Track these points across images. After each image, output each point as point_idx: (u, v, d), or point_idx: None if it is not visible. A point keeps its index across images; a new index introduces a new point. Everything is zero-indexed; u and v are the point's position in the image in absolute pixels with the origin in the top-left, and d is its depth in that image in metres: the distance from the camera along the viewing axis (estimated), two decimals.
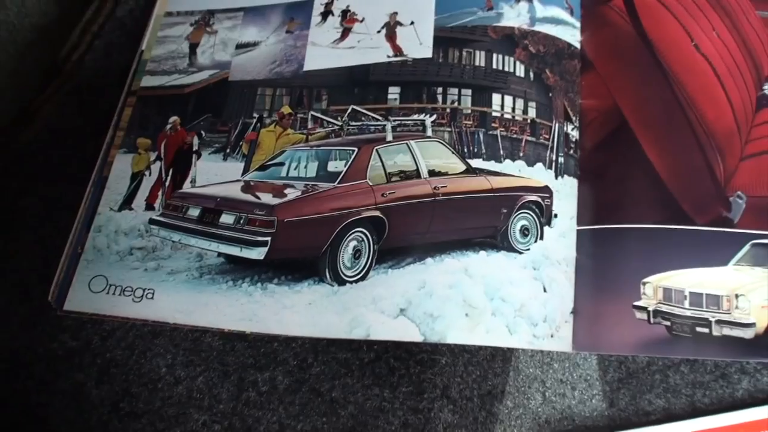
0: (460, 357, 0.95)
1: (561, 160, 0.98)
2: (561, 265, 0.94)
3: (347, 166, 0.98)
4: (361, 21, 1.07)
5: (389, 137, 1.00)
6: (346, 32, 1.08)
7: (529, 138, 0.99)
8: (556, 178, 0.98)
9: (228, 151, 1.07)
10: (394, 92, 1.03)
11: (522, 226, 1.00)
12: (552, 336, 0.92)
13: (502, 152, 0.98)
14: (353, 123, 1.03)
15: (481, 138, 0.98)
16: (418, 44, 1.03)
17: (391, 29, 1.05)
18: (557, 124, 0.99)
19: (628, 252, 0.96)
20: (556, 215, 0.97)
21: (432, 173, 0.99)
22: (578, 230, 0.97)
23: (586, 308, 0.95)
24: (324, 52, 1.07)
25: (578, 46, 1.03)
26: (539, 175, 0.98)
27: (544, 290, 0.93)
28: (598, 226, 0.97)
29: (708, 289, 0.94)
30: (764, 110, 1.02)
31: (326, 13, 1.10)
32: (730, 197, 0.99)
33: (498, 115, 0.99)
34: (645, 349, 0.94)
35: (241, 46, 1.12)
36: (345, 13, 1.08)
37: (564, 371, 0.97)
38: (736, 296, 0.93)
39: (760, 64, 1.04)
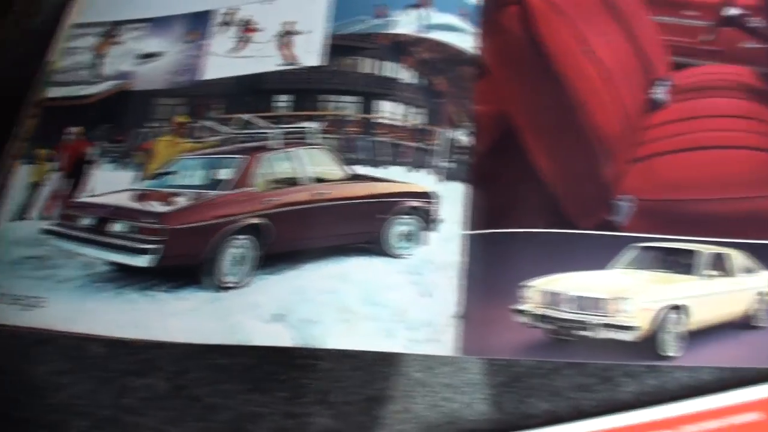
0: (344, 362, 0.95)
1: (447, 165, 0.99)
2: (444, 270, 0.95)
3: (235, 174, 0.99)
4: (259, 30, 1.08)
5: (276, 145, 1.01)
6: (243, 41, 1.09)
7: (414, 144, 1.00)
8: (441, 183, 0.98)
9: (125, 160, 1.08)
10: (283, 100, 1.04)
11: (402, 231, 1.00)
12: (434, 340, 0.92)
13: (385, 158, 0.99)
14: (244, 131, 1.04)
15: (365, 144, 0.98)
16: (311, 53, 1.05)
17: (286, 38, 1.06)
18: (445, 130, 1.00)
19: (515, 256, 0.96)
20: (441, 220, 0.97)
21: (315, 180, 1.00)
22: (467, 235, 0.97)
23: (473, 313, 0.95)
24: (222, 61, 1.09)
25: (474, 52, 1.03)
26: (423, 180, 0.99)
27: (425, 295, 0.93)
28: (487, 230, 0.97)
29: (591, 293, 0.95)
30: (654, 114, 1.03)
31: (226, 23, 1.11)
32: (618, 201, 0.99)
33: (384, 121, 1.00)
34: (528, 353, 0.95)
35: (145, 57, 1.13)
36: (244, 23, 1.09)
37: (450, 375, 0.97)
38: (619, 299, 0.93)
39: (652, 68, 1.05)
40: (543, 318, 0.95)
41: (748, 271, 0.97)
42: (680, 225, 0.99)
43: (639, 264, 0.98)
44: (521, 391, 0.96)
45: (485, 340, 0.95)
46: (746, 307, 0.99)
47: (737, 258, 0.97)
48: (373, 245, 0.97)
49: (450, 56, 1.02)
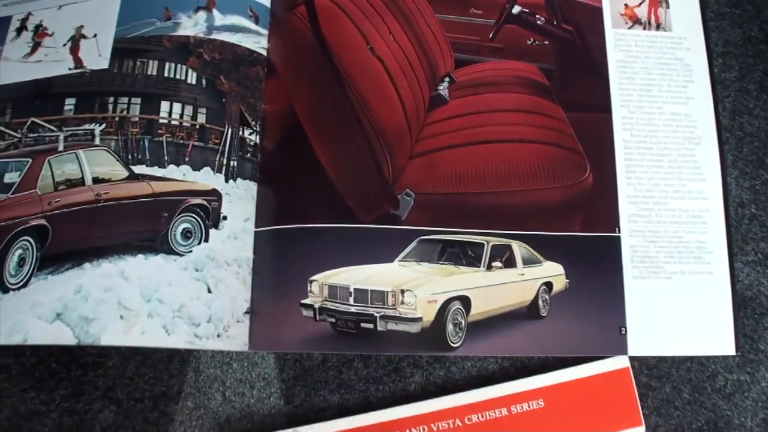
0: (131, 359, 0.95)
1: (234, 163, 0.99)
2: (231, 266, 0.95)
3: (21, 177, 0.98)
4: (51, 35, 1.07)
5: (61, 147, 1.00)
6: (36, 46, 1.08)
7: (197, 143, 1.00)
8: (227, 181, 0.99)
9: None
10: (70, 103, 1.03)
11: (184, 228, 1.00)
12: (219, 336, 0.92)
13: (166, 158, 0.99)
14: (31, 135, 1.03)
15: (146, 145, 0.99)
16: (98, 56, 1.04)
17: (75, 42, 1.06)
18: (230, 129, 1.00)
19: (301, 252, 0.97)
20: (225, 217, 0.97)
21: (96, 180, 1.00)
22: (257, 231, 0.97)
23: (263, 308, 0.95)
24: (14, 66, 1.08)
25: (263, 52, 1.04)
26: (206, 178, 0.99)
27: (209, 291, 0.93)
28: (276, 227, 0.97)
29: (373, 285, 0.96)
30: (437, 109, 1.04)
31: (21, 29, 1.10)
32: (399, 195, 1.00)
33: (165, 121, 1.00)
34: (314, 346, 0.95)
35: None
36: (37, 28, 1.08)
37: (243, 370, 0.98)
38: (402, 291, 0.95)
39: (436, 64, 1.07)
40: (327, 311, 0.94)
41: (531, 262, 0.99)
42: (462, 218, 1.00)
43: (421, 257, 0.99)
44: (311, 384, 0.98)
45: (274, 334, 0.96)
46: (529, 297, 1.01)
47: (519, 249, 0.99)
48: (156, 243, 0.97)
49: (237, 56, 1.03)
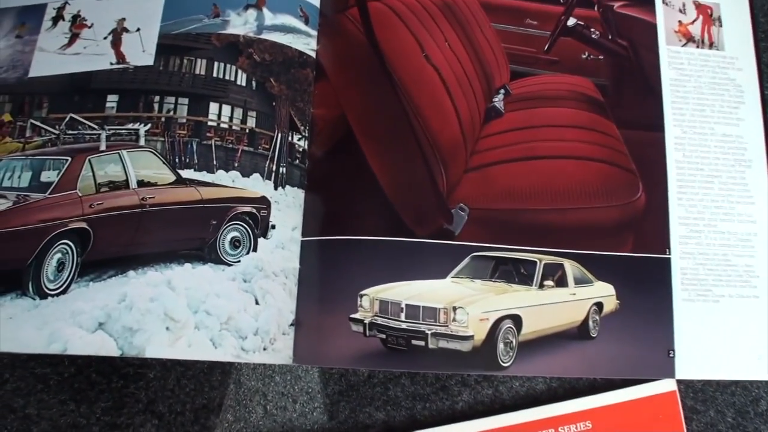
0: (173, 371, 0.92)
1: (283, 170, 0.96)
2: (278, 277, 0.92)
3: (59, 176, 0.94)
4: (90, 27, 1.03)
5: (103, 146, 0.96)
6: (74, 38, 1.04)
7: (246, 148, 0.97)
8: (276, 188, 0.96)
9: None
10: (112, 100, 1.00)
11: (233, 237, 0.97)
12: (265, 349, 0.90)
13: (215, 162, 0.96)
14: (70, 132, 0.99)
15: (194, 148, 0.95)
16: (141, 51, 1.00)
17: (117, 36, 1.02)
18: (280, 134, 0.97)
19: (349, 264, 0.95)
20: (273, 226, 0.94)
21: (141, 184, 0.96)
22: (303, 241, 0.94)
23: (308, 320, 0.93)
24: (51, 57, 1.03)
25: (312, 54, 1.01)
26: (255, 185, 0.96)
27: (256, 302, 0.90)
28: (323, 237, 0.94)
29: (425, 302, 0.94)
30: (492, 122, 1.02)
31: (57, 18, 1.06)
32: (453, 209, 0.98)
33: (214, 124, 0.96)
34: (362, 362, 0.93)
35: None
36: (75, 18, 1.04)
37: (286, 384, 0.96)
38: (454, 309, 0.93)
39: (492, 76, 1.05)
40: (377, 327, 0.92)
41: (582, 281, 0.98)
42: (515, 234, 0.99)
43: (474, 273, 0.97)
44: (357, 400, 0.96)
45: (320, 348, 0.94)
46: (580, 317, 1.00)
47: (571, 268, 0.97)
48: (204, 252, 0.94)
49: (287, 58, 1.00)
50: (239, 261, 0.94)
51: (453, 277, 0.97)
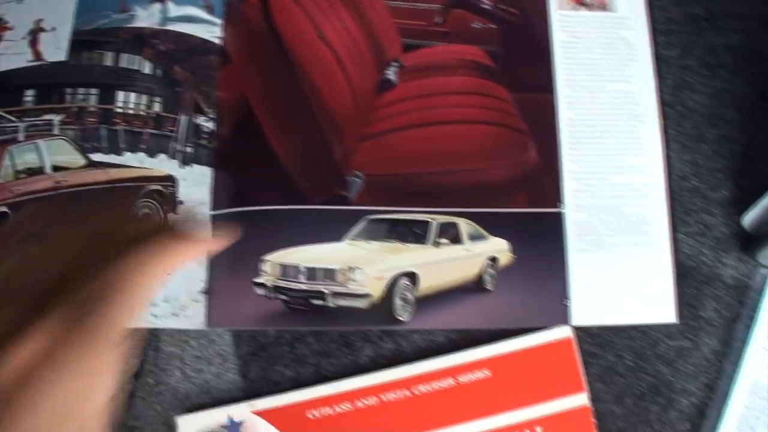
0: None
1: (189, 149, 1.03)
2: None
3: None
4: (12, 29, 1.12)
5: (21, 137, 1.05)
6: None
7: (152, 131, 1.04)
8: (182, 167, 1.03)
9: None
10: (29, 95, 1.08)
11: (143, 214, 1.04)
12: (176, 315, 0.97)
13: (123, 145, 1.03)
14: None
15: (103, 133, 1.03)
16: (56, 48, 1.09)
17: (34, 35, 1.10)
18: (184, 117, 1.05)
19: (255, 233, 1.01)
20: (181, 202, 1.01)
21: (56, 169, 1.04)
22: (213, 215, 1.02)
23: (220, 287, 1.00)
24: None
25: (216, 41, 1.09)
26: (161, 165, 1.03)
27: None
28: (230, 209, 1.02)
29: (323, 264, 1.00)
30: (385, 93, 1.08)
31: None
32: (348, 177, 1.04)
33: (121, 111, 1.04)
34: (268, 323, 1.00)
35: None
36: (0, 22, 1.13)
37: (201, 348, 1.02)
38: (350, 269, 0.99)
39: (384, 50, 1.11)
40: (280, 289, 0.98)
41: (476, 238, 1.03)
42: (410, 197, 1.04)
43: (369, 235, 1.03)
44: (267, 359, 1.02)
45: (230, 312, 1.00)
46: (475, 271, 1.06)
47: (465, 226, 1.03)
48: None
49: (191, 46, 1.07)
50: None
51: (349, 240, 1.02)
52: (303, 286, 0.97)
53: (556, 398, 1.00)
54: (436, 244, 1.01)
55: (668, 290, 1.04)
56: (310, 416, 0.98)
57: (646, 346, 1.03)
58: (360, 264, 0.98)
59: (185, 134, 1.03)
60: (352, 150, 1.04)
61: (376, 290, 0.97)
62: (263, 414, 0.98)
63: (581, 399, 0.98)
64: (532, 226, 1.04)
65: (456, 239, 1.02)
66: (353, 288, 0.97)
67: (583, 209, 1.04)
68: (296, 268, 0.98)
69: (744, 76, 1.13)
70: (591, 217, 1.03)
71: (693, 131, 1.10)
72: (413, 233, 1.03)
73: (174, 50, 1.06)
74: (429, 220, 1.02)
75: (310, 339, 1.00)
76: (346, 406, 0.99)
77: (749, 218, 1.02)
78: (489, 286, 1.02)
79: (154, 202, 1.02)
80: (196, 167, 1.02)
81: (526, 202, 1.04)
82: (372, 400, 0.96)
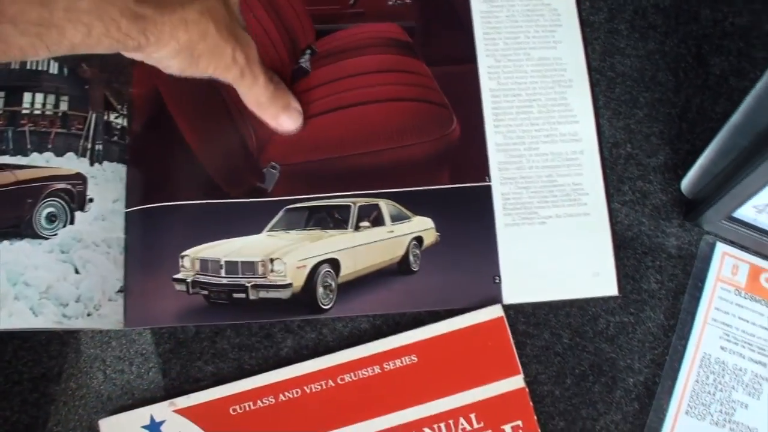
0: (9, 344, 0.98)
1: (99, 147, 1.01)
2: (99, 247, 0.97)
3: None
4: None
5: None
6: None
7: (59, 130, 1.02)
8: (92, 164, 1.01)
9: None
10: None
11: (48, 213, 1.02)
12: (90, 315, 0.95)
13: (29, 146, 1.01)
14: None
15: (9, 135, 1.01)
16: None
17: None
18: (94, 114, 1.03)
19: (172, 229, 1.00)
20: (91, 200, 0.99)
21: None
22: (128, 212, 1.00)
23: (137, 286, 0.98)
24: None
25: None
26: (70, 163, 1.01)
27: (77, 272, 0.95)
28: (145, 206, 1.00)
29: (243, 257, 0.98)
30: (300, 81, 1.06)
31: None
32: (264, 168, 1.02)
33: (28, 112, 1.02)
34: (187, 319, 0.98)
35: None
36: None
37: (122, 348, 1.00)
38: (271, 260, 0.97)
39: (297, 39, 1.08)
40: (199, 284, 0.96)
41: (399, 218, 1.00)
42: (329, 183, 1.02)
43: (288, 225, 1.01)
44: (186, 356, 1.00)
45: (149, 311, 0.99)
46: (399, 253, 1.03)
47: (387, 207, 1.00)
48: (20, 229, 0.99)
49: None
50: (56, 234, 0.98)
51: (268, 231, 0.99)
52: (224, 281, 0.95)
53: (490, 382, 0.96)
54: (357, 227, 0.98)
55: (607, 262, 1.01)
56: (233, 412, 0.96)
57: (585, 323, 0.99)
58: (279, 254, 0.95)
59: (95, 132, 1.00)
60: (266, 141, 1.01)
61: (297, 280, 0.94)
62: (184, 412, 0.96)
63: (517, 381, 0.96)
64: (459, 202, 1.00)
65: (378, 221, 0.99)
66: (274, 279, 0.94)
67: (511, 182, 1.00)
68: (216, 262, 0.96)
69: (677, 37, 1.09)
70: (520, 189, 1.00)
71: (625, 96, 1.06)
72: (333, 219, 1.00)
73: None
74: (348, 203, 0.99)
75: (230, 333, 0.98)
76: (269, 400, 0.96)
77: (687, 183, 0.98)
78: (413, 267, 0.98)
79: (61, 201, 0.99)
80: (108, 164, 0.99)
81: (451, 178, 0.99)
82: (295, 392, 0.94)
